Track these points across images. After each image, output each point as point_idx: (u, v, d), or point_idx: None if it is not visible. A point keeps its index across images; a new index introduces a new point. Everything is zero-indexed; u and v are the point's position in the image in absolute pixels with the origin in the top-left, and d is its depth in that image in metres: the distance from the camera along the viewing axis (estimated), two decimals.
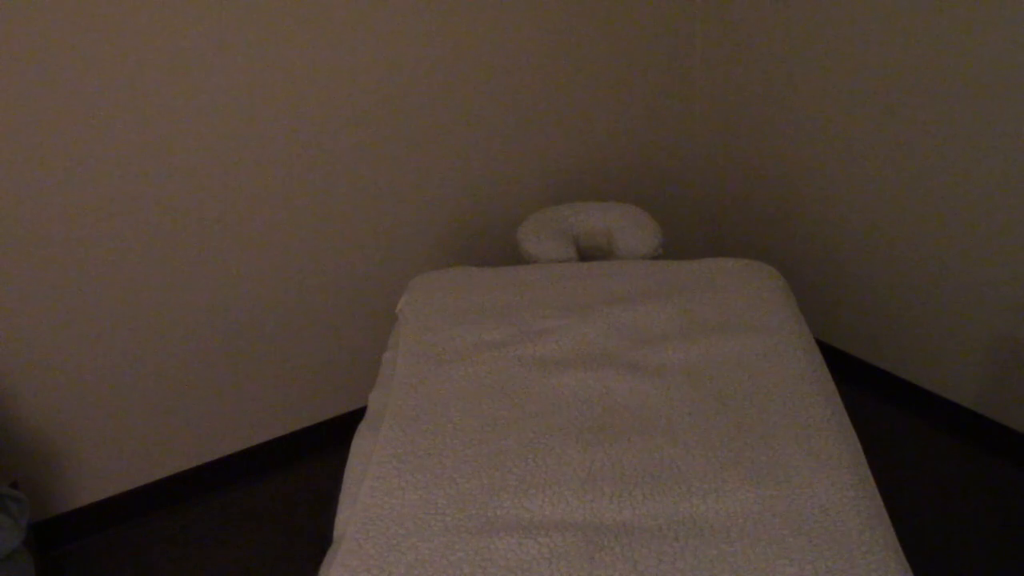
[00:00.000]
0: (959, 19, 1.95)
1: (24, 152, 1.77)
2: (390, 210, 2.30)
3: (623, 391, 1.45)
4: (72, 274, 1.91)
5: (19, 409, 1.95)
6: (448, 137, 2.32)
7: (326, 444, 2.44)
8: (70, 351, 1.96)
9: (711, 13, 2.64)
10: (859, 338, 2.52)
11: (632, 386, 1.45)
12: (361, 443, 1.43)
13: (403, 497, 1.24)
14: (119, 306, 1.99)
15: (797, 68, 2.41)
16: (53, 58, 1.73)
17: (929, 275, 2.23)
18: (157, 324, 2.06)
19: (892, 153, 2.22)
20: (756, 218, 2.75)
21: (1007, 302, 2.06)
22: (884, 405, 2.45)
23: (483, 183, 2.45)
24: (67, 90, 1.77)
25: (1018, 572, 1.83)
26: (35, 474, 2.02)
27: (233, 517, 2.18)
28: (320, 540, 2.07)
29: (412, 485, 1.26)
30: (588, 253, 2.28)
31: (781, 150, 2.56)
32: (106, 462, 2.11)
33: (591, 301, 1.76)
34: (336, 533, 1.25)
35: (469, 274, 1.94)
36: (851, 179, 2.37)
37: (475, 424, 1.39)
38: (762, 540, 1.10)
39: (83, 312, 1.95)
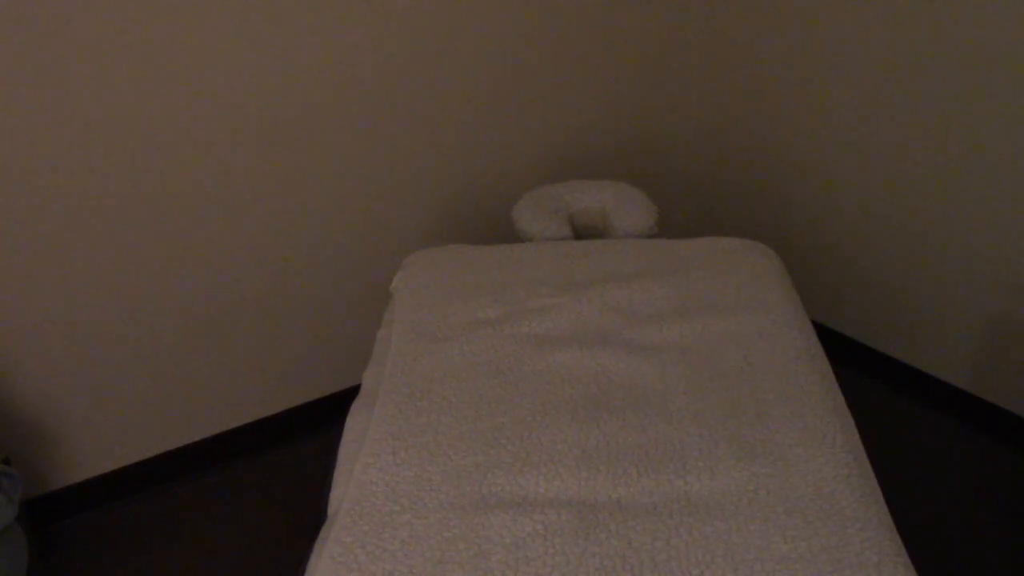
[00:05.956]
0: None
1: (11, 140, 1.75)
2: (384, 188, 2.29)
3: (618, 369, 1.44)
4: (63, 254, 1.89)
5: (12, 386, 1.94)
6: (443, 115, 2.30)
7: (320, 422, 2.44)
8: (62, 329, 1.95)
9: None
10: (853, 319, 2.52)
11: (627, 364, 1.45)
12: (355, 420, 1.43)
13: (397, 474, 1.23)
14: (110, 284, 1.98)
15: (793, 48, 2.39)
16: (40, 46, 1.71)
17: (923, 256, 2.23)
18: (149, 302, 2.04)
19: (887, 135, 2.21)
20: (751, 198, 2.74)
21: (1000, 282, 2.07)
22: (878, 385, 2.46)
23: (479, 161, 2.43)
24: (51, 68, 1.74)
25: (1010, 550, 1.85)
26: (28, 451, 2.02)
27: (227, 494, 2.19)
28: (315, 517, 2.08)
29: (407, 462, 1.26)
30: (583, 232, 2.27)
31: (776, 130, 2.55)
32: (99, 439, 2.10)
33: (586, 279, 1.75)
34: (330, 510, 1.24)
35: (464, 252, 1.93)
36: (845, 160, 2.36)
37: (470, 401, 1.39)
38: (756, 518, 1.11)
39: (75, 291, 1.93)
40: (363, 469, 1.25)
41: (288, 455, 2.33)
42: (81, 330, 1.98)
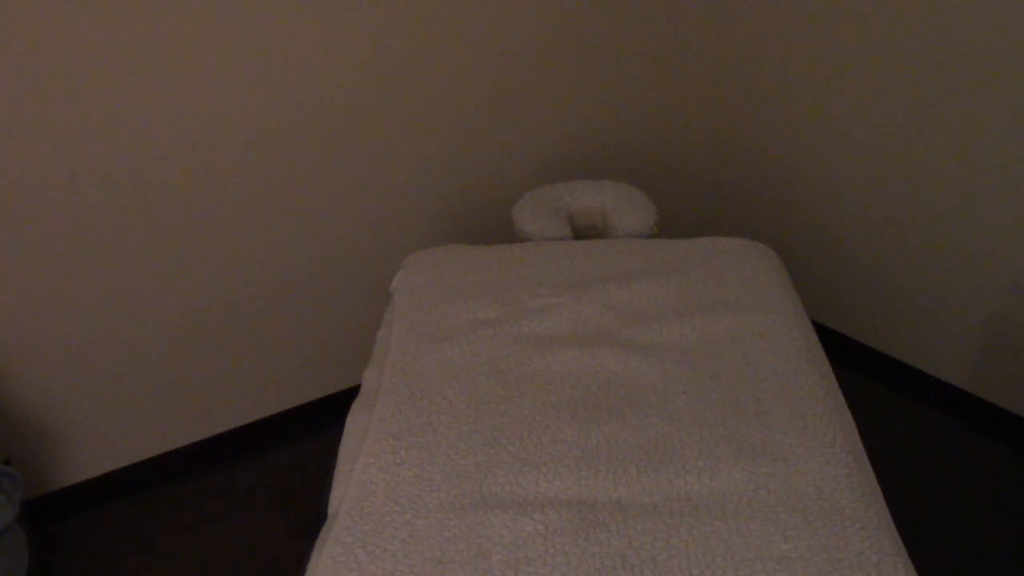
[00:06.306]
0: None
1: (11, 142, 1.75)
2: (385, 188, 2.29)
3: (618, 369, 1.44)
4: (63, 255, 1.89)
5: (13, 387, 1.94)
6: (443, 115, 2.30)
7: (321, 422, 2.44)
8: (63, 329, 1.95)
9: None
10: (853, 318, 2.52)
11: (627, 364, 1.45)
12: (355, 420, 1.43)
13: (398, 474, 1.23)
14: (110, 284, 1.98)
15: (793, 48, 2.39)
16: (40, 48, 1.71)
17: (923, 256, 2.23)
18: (150, 303, 2.04)
19: (887, 134, 2.21)
20: (751, 198, 2.74)
21: (1000, 282, 2.07)
22: (878, 385, 2.46)
23: (478, 161, 2.43)
24: (49, 71, 1.74)
25: (1009, 550, 1.85)
26: (28, 451, 2.02)
27: (227, 494, 2.18)
28: (315, 517, 2.08)
29: (407, 462, 1.26)
30: (583, 232, 2.27)
31: (776, 130, 2.55)
32: (100, 439, 2.10)
33: (586, 279, 1.75)
34: (331, 510, 1.24)
35: (464, 252, 1.93)
36: (845, 160, 2.36)
37: (470, 402, 1.39)
38: (756, 517, 1.11)
39: (75, 291, 1.93)
40: (363, 469, 1.25)
41: (288, 455, 2.33)
42: (81, 331, 1.98)
